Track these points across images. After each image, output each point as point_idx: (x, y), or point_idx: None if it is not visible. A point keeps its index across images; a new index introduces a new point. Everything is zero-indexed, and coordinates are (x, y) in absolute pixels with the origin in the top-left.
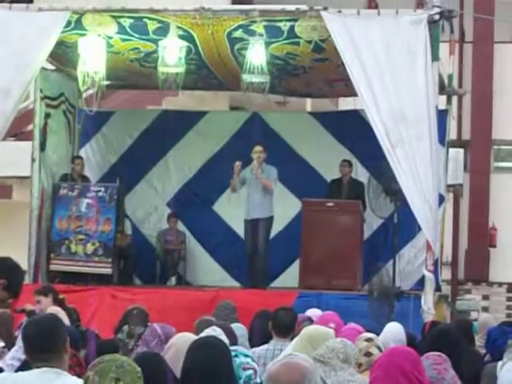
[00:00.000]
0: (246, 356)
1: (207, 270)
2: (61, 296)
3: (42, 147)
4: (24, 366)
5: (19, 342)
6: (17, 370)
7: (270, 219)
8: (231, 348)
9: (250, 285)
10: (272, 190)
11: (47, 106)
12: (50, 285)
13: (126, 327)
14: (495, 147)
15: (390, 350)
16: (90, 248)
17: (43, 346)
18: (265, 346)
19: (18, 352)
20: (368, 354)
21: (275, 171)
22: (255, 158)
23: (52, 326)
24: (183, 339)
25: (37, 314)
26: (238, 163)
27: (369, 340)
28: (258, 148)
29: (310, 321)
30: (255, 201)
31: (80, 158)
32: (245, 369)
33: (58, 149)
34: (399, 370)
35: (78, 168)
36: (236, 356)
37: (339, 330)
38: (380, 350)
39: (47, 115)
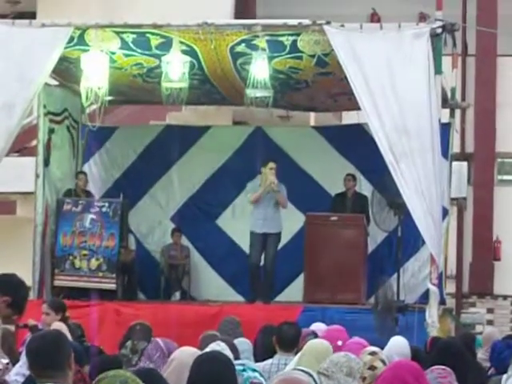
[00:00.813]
0: (254, 371)
1: (211, 284)
2: (66, 314)
3: (46, 163)
4: (28, 382)
5: (23, 358)
6: (27, 378)
7: (279, 234)
8: (239, 362)
9: (254, 298)
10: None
11: (51, 121)
12: (62, 302)
13: (129, 343)
14: (499, 160)
15: (394, 364)
16: (94, 263)
17: (47, 361)
18: (269, 361)
19: (22, 368)
20: (372, 368)
21: (285, 189)
22: (271, 173)
23: (56, 342)
24: (186, 353)
25: (39, 329)
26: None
27: (373, 354)
28: (273, 164)
29: (315, 335)
30: (268, 215)
31: (83, 173)
32: (252, 383)
33: (61, 164)
34: (403, 383)
35: (81, 183)
36: (244, 370)
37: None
38: (384, 364)
39: (51, 131)
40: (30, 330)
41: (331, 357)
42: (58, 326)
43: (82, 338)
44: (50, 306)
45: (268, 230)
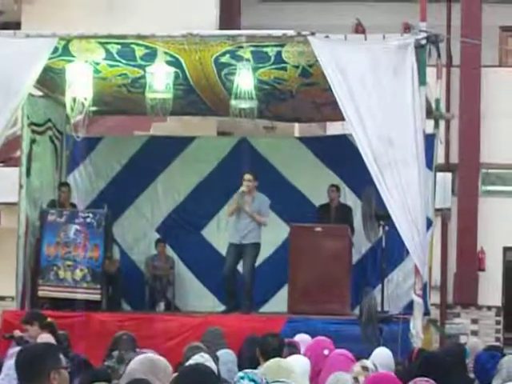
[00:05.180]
0: (252, 380)
1: (196, 295)
2: (49, 320)
3: (28, 173)
4: None
5: (4, 371)
6: None
7: (257, 245)
8: (244, 372)
9: (231, 309)
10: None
11: (33, 132)
12: (34, 311)
13: (115, 353)
14: (483, 171)
15: (373, 377)
16: (78, 274)
17: (26, 374)
18: (254, 372)
19: (4, 380)
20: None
21: (267, 203)
22: (244, 185)
23: (37, 355)
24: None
25: (25, 341)
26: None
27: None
28: (247, 176)
29: (290, 346)
30: (247, 227)
31: (66, 184)
32: None
33: (41, 175)
34: None
35: (64, 195)
36: (242, 378)
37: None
38: None
39: (32, 141)
40: (15, 341)
41: None
42: (45, 338)
43: (68, 349)
44: (24, 323)
45: (246, 241)
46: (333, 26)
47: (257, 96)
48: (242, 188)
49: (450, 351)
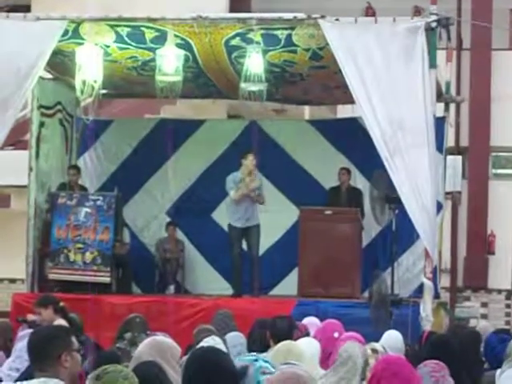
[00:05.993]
0: (266, 362)
1: (206, 278)
2: (61, 304)
3: (37, 156)
4: (26, 373)
5: (15, 352)
6: (23, 373)
7: (260, 226)
8: (253, 354)
9: (240, 292)
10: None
11: (42, 115)
12: (48, 295)
13: (128, 335)
14: (493, 154)
15: (383, 360)
16: (88, 257)
17: (38, 356)
18: (263, 354)
19: (14, 362)
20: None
21: (261, 180)
22: (250, 165)
23: (49, 337)
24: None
25: (37, 324)
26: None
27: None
28: (252, 157)
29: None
30: (248, 211)
31: (75, 167)
32: (264, 373)
33: (49, 158)
34: (395, 376)
35: (73, 178)
36: (256, 360)
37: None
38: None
39: (41, 124)
40: (28, 324)
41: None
42: (59, 323)
43: (79, 332)
44: (38, 306)
45: (251, 223)
46: (343, 10)
47: (267, 79)
48: (254, 171)
49: (460, 334)
